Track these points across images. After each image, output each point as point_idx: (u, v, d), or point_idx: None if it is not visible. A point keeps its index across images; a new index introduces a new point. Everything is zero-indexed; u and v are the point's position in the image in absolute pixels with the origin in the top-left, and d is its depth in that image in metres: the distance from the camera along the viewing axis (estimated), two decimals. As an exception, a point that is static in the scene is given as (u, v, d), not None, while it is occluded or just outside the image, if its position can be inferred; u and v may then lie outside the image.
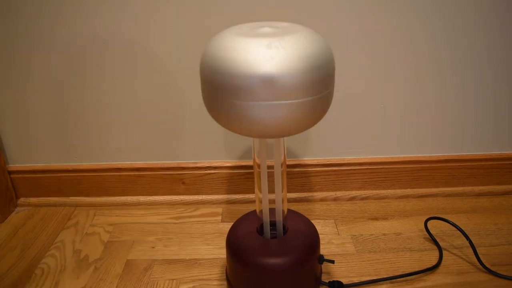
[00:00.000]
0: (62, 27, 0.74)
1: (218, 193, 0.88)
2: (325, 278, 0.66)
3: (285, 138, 0.57)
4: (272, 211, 0.61)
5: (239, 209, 0.85)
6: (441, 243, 0.73)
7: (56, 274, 0.69)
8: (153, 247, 0.75)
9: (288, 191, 0.87)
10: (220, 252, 0.73)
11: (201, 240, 0.77)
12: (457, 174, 0.87)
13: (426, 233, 0.76)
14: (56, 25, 0.73)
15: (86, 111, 0.81)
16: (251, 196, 0.87)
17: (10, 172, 0.86)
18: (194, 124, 0.82)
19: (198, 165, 0.86)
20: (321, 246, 0.66)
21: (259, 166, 0.58)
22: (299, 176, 0.86)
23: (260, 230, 0.63)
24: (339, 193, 0.88)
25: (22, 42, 0.75)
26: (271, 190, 0.59)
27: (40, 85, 0.79)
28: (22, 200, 0.89)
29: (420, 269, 0.68)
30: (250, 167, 0.85)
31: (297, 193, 0.88)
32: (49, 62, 0.77)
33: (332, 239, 0.76)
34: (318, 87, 0.45)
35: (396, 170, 0.86)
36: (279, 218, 0.61)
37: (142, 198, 0.88)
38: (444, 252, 0.72)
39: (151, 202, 0.88)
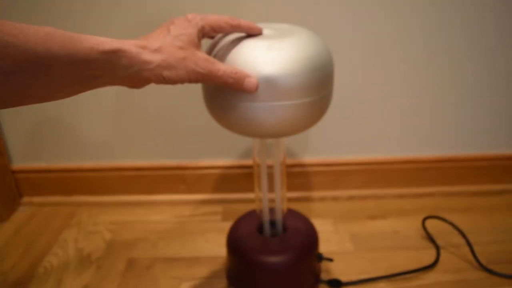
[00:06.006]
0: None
1: (218, 192, 0.88)
2: (324, 276, 0.67)
3: (284, 138, 0.58)
4: (272, 210, 0.62)
5: (239, 208, 0.85)
6: (438, 242, 0.74)
7: (59, 272, 0.70)
8: (154, 246, 0.76)
9: (288, 190, 0.88)
10: (220, 250, 0.74)
11: (201, 238, 0.78)
12: (454, 173, 0.88)
13: (423, 231, 0.77)
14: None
15: (87, 111, 0.82)
16: (251, 195, 0.88)
17: (13, 172, 0.87)
18: (195, 124, 0.83)
19: (199, 164, 0.86)
20: (320, 245, 0.67)
21: (259, 165, 0.59)
22: (298, 176, 0.87)
23: (260, 229, 0.64)
24: (338, 192, 0.88)
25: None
26: (271, 189, 0.59)
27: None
28: (25, 199, 0.89)
29: (417, 267, 0.68)
30: (250, 166, 0.86)
31: (297, 192, 0.88)
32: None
33: (331, 238, 0.77)
34: (317, 88, 0.46)
35: (394, 169, 0.87)
36: (278, 217, 0.62)
37: (143, 197, 0.89)
38: (441, 251, 0.72)
39: (153, 201, 0.88)
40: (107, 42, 0.35)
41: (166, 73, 0.39)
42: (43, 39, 0.31)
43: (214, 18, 0.44)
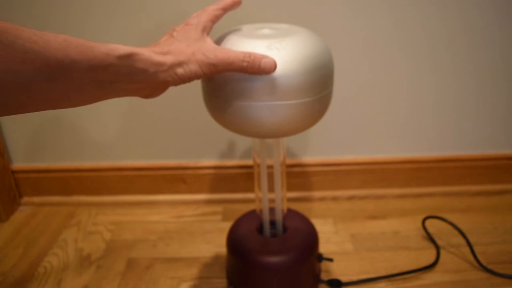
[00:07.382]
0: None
1: (218, 192, 0.88)
2: (324, 276, 0.67)
3: (284, 138, 0.58)
4: (272, 210, 0.62)
5: (239, 208, 0.85)
6: (438, 242, 0.74)
7: (59, 273, 0.70)
8: (154, 246, 0.76)
9: (288, 191, 0.88)
10: (220, 250, 0.74)
11: (201, 238, 0.78)
12: (454, 173, 0.88)
13: (423, 231, 0.77)
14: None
15: (88, 111, 0.82)
16: (251, 195, 0.88)
17: (13, 172, 0.87)
18: (195, 124, 0.83)
19: (198, 164, 0.86)
20: (320, 245, 0.67)
21: (259, 165, 0.59)
22: (298, 176, 0.87)
23: (260, 229, 0.64)
24: (337, 192, 0.88)
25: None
26: (271, 190, 0.59)
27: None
28: (25, 199, 0.89)
29: (417, 267, 0.68)
30: (250, 166, 0.86)
31: (297, 192, 0.88)
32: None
33: (331, 238, 0.77)
34: (317, 88, 0.46)
35: (394, 169, 0.87)
36: (278, 217, 0.62)
37: (143, 197, 0.89)
38: (441, 251, 0.72)
39: (153, 201, 0.88)
40: (121, 48, 0.36)
41: (179, 71, 0.40)
42: (62, 45, 0.32)
43: (206, 14, 0.46)
